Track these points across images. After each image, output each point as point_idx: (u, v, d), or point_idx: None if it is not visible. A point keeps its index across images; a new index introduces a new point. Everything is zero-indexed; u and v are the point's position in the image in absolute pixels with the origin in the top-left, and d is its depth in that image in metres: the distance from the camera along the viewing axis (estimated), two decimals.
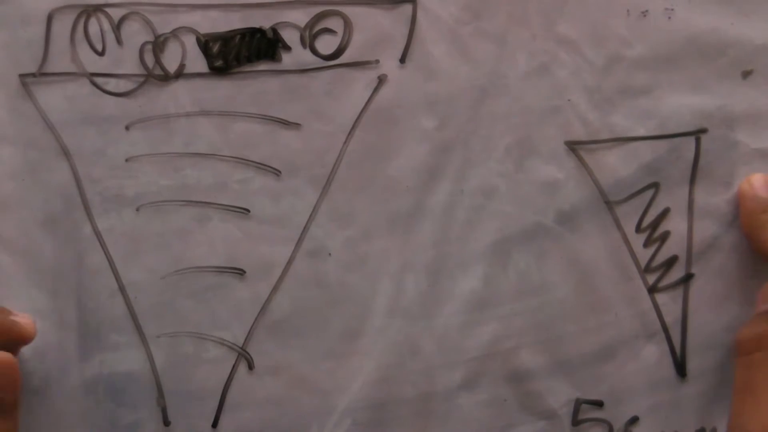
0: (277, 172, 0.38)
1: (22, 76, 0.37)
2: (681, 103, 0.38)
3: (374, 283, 0.38)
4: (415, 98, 0.38)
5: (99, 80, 0.38)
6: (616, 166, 0.38)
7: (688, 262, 0.38)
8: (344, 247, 0.38)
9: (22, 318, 0.36)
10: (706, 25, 0.38)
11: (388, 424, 0.38)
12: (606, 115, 0.38)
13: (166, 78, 0.38)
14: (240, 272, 0.38)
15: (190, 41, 0.38)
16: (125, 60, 0.38)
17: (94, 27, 0.38)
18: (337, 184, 0.38)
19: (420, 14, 0.38)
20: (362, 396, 0.38)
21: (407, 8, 0.38)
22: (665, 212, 0.38)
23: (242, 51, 0.38)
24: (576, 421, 0.38)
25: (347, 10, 0.38)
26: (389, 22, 0.38)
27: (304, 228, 0.38)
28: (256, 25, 0.38)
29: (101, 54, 0.38)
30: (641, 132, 0.38)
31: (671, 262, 0.38)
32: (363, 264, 0.38)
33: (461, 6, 0.38)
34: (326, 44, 0.38)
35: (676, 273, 0.38)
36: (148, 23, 0.38)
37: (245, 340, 0.38)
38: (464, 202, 0.38)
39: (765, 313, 0.37)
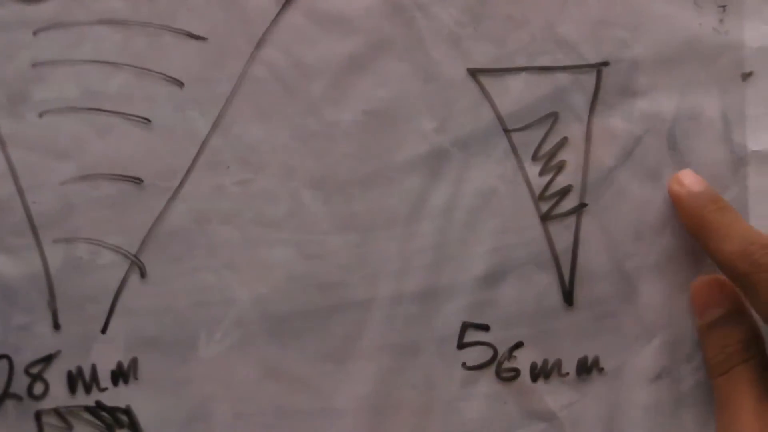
0: (180, 84, 0.38)
1: None
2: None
3: (269, 200, 0.38)
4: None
5: None
6: (517, 94, 0.39)
7: (582, 192, 0.39)
8: (242, 162, 0.38)
9: None
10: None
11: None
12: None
13: None
14: (138, 181, 0.38)
15: None
16: None
17: None
18: (239, 99, 0.38)
19: None
20: (251, 310, 0.38)
21: None
22: (563, 142, 0.39)
23: None
24: (461, 344, 0.38)
25: None
26: None
27: (204, 140, 0.38)
28: None
29: None
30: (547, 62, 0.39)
31: (565, 191, 0.38)
32: (261, 171, 0.38)
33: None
34: None
35: (570, 202, 0.39)
36: None
37: (139, 248, 0.38)
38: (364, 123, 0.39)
39: (712, 327, 0.37)
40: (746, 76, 0.39)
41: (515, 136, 0.39)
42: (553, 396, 0.38)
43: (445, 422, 0.38)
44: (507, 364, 0.38)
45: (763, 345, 0.37)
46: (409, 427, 0.38)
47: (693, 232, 0.38)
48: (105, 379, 0.38)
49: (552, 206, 0.38)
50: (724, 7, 0.39)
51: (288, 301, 0.38)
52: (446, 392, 0.38)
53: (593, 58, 0.39)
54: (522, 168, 0.39)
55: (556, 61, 0.39)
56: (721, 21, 0.39)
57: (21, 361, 0.38)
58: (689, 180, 0.38)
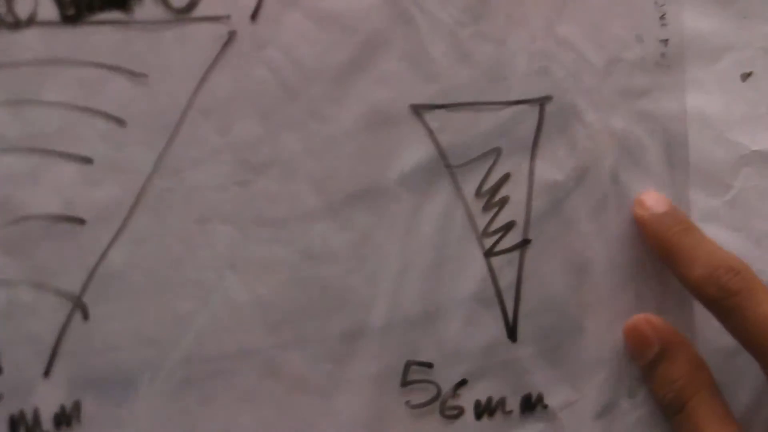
0: (121, 122, 0.38)
1: None
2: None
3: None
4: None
5: None
6: (459, 130, 0.38)
7: (526, 228, 0.39)
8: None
9: None
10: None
11: None
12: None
13: (17, 25, 0.38)
14: (80, 221, 0.38)
15: None
16: None
17: None
18: (181, 137, 0.38)
19: None
20: (195, 350, 0.38)
21: None
22: (505, 177, 0.39)
23: (95, 0, 0.38)
24: (405, 382, 0.38)
25: None
26: None
27: (147, 179, 0.38)
28: None
29: None
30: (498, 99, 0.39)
31: (509, 227, 0.38)
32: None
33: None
34: None
35: (513, 238, 0.39)
36: None
37: (82, 289, 0.38)
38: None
39: (653, 366, 0.37)
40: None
41: (458, 171, 0.38)
42: None
43: None
44: (451, 402, 0.38)
45: (708, 372, 0.37)
46: None
47: (660, 256, 0.37)
48: (48, 422, 0.37)
49: (495, 242, 0.38)
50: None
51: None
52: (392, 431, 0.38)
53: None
54: (465, 204, 0.38)
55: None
56: (663, 55, 0.39)
57: None
58: (652, 201, 0.37)
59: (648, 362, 0.37)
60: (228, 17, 0.38)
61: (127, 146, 0.38)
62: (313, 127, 0.38)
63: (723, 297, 0.35)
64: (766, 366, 0.34)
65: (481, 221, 0.38)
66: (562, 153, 0.39)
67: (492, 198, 0.38)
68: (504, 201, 0.38)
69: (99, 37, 0.38)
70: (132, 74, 0.38)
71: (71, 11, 0.38)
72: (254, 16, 0.38)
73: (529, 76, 0.38)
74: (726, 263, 0.35)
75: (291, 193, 0.38)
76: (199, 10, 0.38)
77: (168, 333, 0.38)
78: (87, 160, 0.38)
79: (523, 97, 0.39)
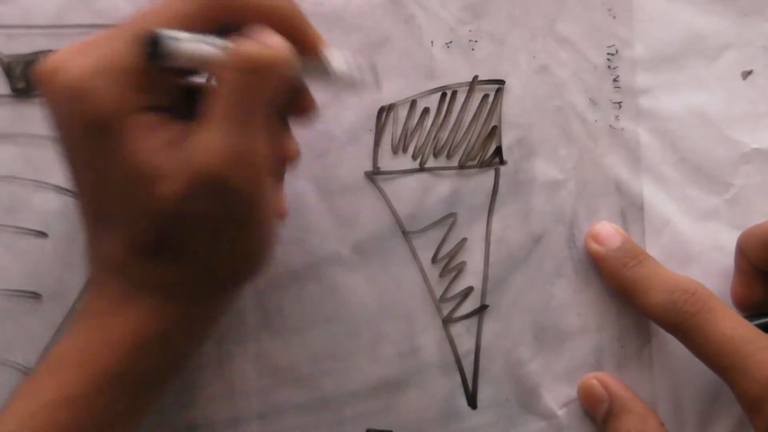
0: (75, 196, 0.38)
1: None
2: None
3: None
4: None
5: None
6: (415, 196, 0.38)
7: (483, 293, 0.38)
8: None
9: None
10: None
11: None
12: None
13: None
14: (35, 296, 0.38)
15: None
16: None
17: None
18: None
19: None
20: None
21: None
22: (462, 243, 0.38)
23: None
24: None
25: None
26: None
27: None
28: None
29: None
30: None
31: (467, 293, 0.38)
32: None
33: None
34: None
35: (472, 304, 0.38)
36: None
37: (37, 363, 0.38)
38: None
39: (607, 421, 0.37)
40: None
41: (414, 238, 0.38)
42: None
43: None
44: None
45: (656, 421, 0.37)
46: None
47: (617, 290, 0.38)
48: None
49: (453, 308, 0.38)
50: (619, 103, 0.39)
51: None
52: None
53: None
54: (422, 270, 0.38)
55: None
56: (617, 118, 0.39)
57: None
58: (605, 234, 0.38)
59: (602, 418, 0.38)
60: None
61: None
62: None
63: (682, 320, 0.35)
64: (731, 383, 0.34)
65: (439, 287, 0.38)
66: (518, 217, 0.38)
67: (449, 264, 0.38)
68: (461, 267, 0.38)
69: None
70: None
71: (22, 84, 0.38)
72: None
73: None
74: (680, 286, 0.36)
75: None
76: None
77: None
78: (42, 234, 0.38)
79: (476, 162, 0.39)
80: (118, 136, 0.29)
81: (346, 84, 0.33)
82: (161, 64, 0.29)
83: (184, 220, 0.30)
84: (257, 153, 0.30)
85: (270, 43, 0.29)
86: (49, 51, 0.37)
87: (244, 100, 0.29)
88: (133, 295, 0.31)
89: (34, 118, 0.38)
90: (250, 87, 0.29)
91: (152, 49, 0.28)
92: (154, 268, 0.31)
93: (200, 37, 0.29)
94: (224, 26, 0.30)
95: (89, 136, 0.29)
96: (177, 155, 0.29)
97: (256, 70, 0.29)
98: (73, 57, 0.29)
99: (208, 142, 0.29)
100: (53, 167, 0.37)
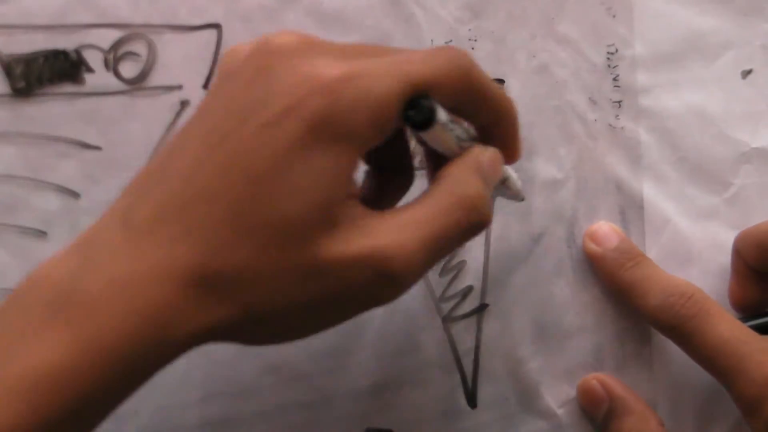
0: (75, 194, 0.38)
1: None
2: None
3: None
4: None
5: None
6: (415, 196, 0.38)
7: (483, 293, 0.38)
8: None
9: None
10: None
11: None
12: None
13: None
14: None
15: None
16: None
17: None
18: None
19: (225, 40, 0.38)
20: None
21: (212, 33, 0.38)
22: None
23: (45, 73, 0.38)
24: None
25: (152, 34, 0.38)
26: (194, 48, 0.38)
27: None
28: (60, 47, 0.38)
29: None
30: None
31: (466, 292, 0.38)
32: None
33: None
34: (130, 68, 0.38)
35: (471, 303, 0.38)
36: None
37: None
38: None
39: (607, 421, 0.38)
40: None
41: None
42: None
43: None
44: None
45: (657, 421, 0.37)
46: None
47: (614, 291, 0.38)
48: None
49: (453, 307, 0.38)
50: (619, 103, 0.39)
51: None
52: None
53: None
54: None
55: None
56: (617, 117, 0.39)
57: None
58: (602, 234, 0.38)
59: (602, 419, 0.38)
60: (180, 87, 0.38)
61: (81, 218, 0.38)
62: None
63: (679, 323, 0.35)
64: (728, 385, 0.35)
65: (439, 286, 0.38)
66: (518, 216, 0.39)
67: (449, 263, 0.38)
68: (461, 266, 0.38)
69: (51, 111, 0.38)
70: (85, 146, 0.38)
71: (21, 84, 0.38)
72: (206, 85, 0.38)
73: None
74: (678, 290, 0.36)
75: None
76: (151, 81, 0.38)
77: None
78: (41, 233, 0.38)
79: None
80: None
81: (518, 200, 0.34)
82: (418, 134, 0.26)
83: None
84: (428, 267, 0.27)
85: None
86: (49, 51, 0.38)
87: (450, 232, 0.27)
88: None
89: (34, 118, 0.38)
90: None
91: (420, 117, 0.25)
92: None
93: (458, 125, 0.27)
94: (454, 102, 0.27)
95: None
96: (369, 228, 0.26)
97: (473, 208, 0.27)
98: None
99: (400, 239, 0.26)
100: (53, 167, 0.38)
